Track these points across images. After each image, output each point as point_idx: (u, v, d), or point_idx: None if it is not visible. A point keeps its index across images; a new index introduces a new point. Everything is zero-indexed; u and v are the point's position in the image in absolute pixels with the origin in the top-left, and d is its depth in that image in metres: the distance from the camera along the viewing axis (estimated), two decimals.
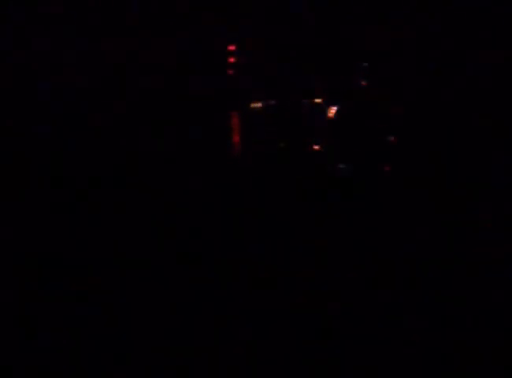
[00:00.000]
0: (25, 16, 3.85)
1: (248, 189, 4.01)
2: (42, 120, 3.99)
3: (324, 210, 3.83)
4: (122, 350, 2.79)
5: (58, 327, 2.89)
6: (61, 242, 3.52)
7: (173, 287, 3.24)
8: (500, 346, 2.74)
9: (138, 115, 4.14)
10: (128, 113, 4.13)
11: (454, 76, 3.94)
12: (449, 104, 3.95)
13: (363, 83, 4.06)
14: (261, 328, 2.93)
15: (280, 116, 4.26)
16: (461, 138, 3.89)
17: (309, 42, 4.18)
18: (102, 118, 4.10)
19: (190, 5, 4.12)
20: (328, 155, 4.11)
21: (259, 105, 4.27)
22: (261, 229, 3.75)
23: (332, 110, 4.00)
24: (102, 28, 4.01)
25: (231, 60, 4.22)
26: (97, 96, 4.08)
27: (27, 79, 4.00)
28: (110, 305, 3.07)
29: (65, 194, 3.81)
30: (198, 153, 4.10)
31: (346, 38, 4.11)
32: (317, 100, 4.25)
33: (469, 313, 2.95)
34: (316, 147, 4.15)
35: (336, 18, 4.15)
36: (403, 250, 3.45)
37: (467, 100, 3.91)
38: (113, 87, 4.13)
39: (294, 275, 3.33)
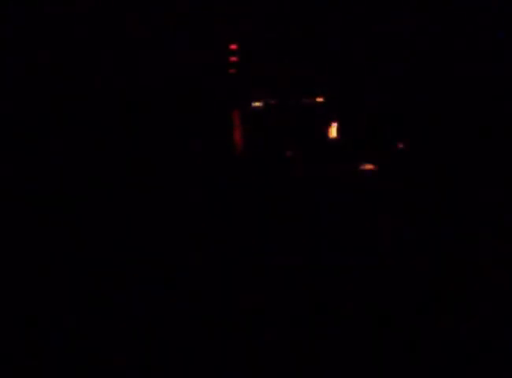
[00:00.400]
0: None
1: (250, 187, 4.01)
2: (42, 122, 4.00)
3: (326, 209, 3.84)
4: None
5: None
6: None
7: (174, 287, 3.25)
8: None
9: (138, 115, 4.14)
10: (128, 113, 4.13)
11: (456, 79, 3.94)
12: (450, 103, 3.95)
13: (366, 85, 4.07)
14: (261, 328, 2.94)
15: (281, 115, 4.25)
16: (461, 139, 3.89)
17: (311, 41, 4.17)
18: (103, 119, 4.10)
19: (190, 5, 4.11)
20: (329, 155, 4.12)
21: (260, 104, 4.27)
22: (263, 227, 3.75)
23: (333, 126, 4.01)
24: (100, 28, 4.00)
25: (233, 59, 4.21)
26: (97, 96, 4.08)
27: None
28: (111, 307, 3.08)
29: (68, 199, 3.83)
30: (199, 153, 4.10)
31: (348, 38, 4.11)
32: (319, 99, 4.25)
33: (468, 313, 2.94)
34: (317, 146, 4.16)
35: (337, 18, 4.14)
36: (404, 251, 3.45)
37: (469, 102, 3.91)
38: (113, 87, 4.13)
39: (294, 274, 3.33)
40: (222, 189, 3.99)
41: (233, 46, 4.20)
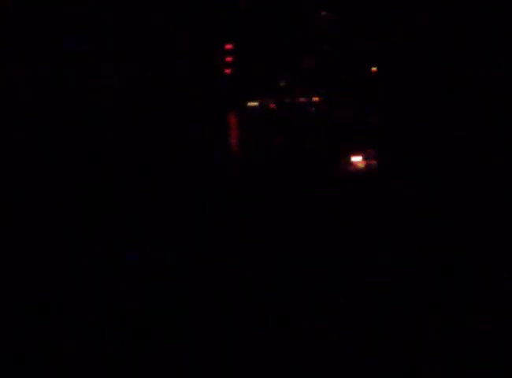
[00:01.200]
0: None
1: (247, 186, 4.01)
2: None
3: (324, 207, 3.84)
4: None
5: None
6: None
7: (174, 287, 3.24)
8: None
9: (135, 115, 4.12)
10: (124, 113, 4.11)
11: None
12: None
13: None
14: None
15: (277, 115, 4.25)
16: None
17: (307, 42, 4.18)
18: (101, 119, 4.08)
19: (188, 5, 4.10)
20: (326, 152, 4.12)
21: (256, 104, 4.26)
22: (260, 226, 3.74)
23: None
24: (101, 28, 3.99)
25: (229, 59, 4.20)
26: (94, 96, 4.06)
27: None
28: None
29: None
30: (196, 152, 4.09)
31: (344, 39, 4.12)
32: (315, 98, 4.25)
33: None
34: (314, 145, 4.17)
35: (332, 18, 4.15)
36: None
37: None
38: (110, 88, 4.11)
39: (293, 274, 3.33)
40: (219, 187, 3.98)
41: (228, 46, 4.19)
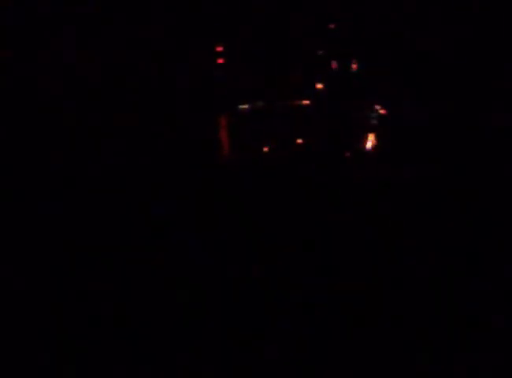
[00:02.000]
0: None
1: (236, 191, 4.00)
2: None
3: (317, 212, 3.84)
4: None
5: None
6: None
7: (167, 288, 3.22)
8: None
9: (124, 117, 4.08)
10: (113, 115, 4.07)
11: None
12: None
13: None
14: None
15: (268, 118, 4.26)
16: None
17: (298, 43, 4.20)
18: (88, 120, 4.04)
19: (178, 6, 4.09)
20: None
21: (247, 106, 4.26)
22: (250, 232, 3.74)
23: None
24: (91, 29, 3.96)
25: (219, 61, 4.20)
26: (85, 98, 4.02)
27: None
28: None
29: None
30: (185, 156, 4.07)
31: (335, 39, 4.14)
32: (305, 102, 4.26)
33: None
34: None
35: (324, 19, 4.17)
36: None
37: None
38: (99, 88, 4.07)
39: (289, 281, 3.33)
40: (209, 192, 3.97)
41: (220, 48, 4.19)
